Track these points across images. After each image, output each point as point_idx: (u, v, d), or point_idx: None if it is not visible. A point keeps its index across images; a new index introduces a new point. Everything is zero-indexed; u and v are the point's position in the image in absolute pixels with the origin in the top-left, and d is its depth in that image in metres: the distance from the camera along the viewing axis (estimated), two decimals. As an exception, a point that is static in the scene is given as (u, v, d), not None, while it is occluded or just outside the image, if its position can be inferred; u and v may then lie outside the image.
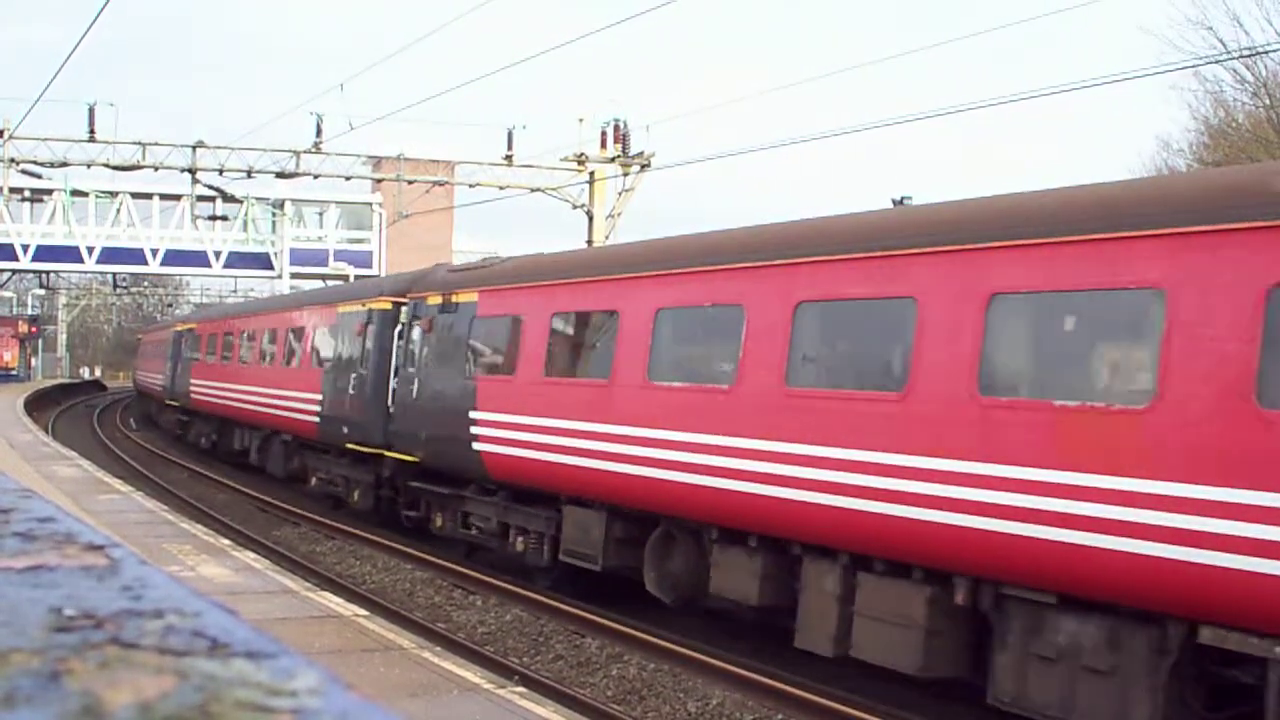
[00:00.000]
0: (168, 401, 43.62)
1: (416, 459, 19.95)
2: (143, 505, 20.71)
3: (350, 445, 22.67)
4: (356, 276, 46.43)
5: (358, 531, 22.31)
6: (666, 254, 14.87)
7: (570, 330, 16.57)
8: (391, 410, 21.08)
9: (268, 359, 29.99)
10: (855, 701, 11.72)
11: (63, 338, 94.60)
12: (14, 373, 74.01)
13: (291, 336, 27.98)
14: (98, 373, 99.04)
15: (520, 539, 17.44)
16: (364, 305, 23.08)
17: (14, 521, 1.51)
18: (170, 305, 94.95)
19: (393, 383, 21.17)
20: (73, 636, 0.97)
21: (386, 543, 21.09)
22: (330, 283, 47.26)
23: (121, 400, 65.94)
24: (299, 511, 25.00)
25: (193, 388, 37.75)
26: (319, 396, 24.61)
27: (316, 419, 24.70)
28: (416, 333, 20.32)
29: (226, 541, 17.97)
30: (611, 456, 14.58)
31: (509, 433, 16.92)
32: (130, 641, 0.96)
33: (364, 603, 15.46)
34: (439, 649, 11.99)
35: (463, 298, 19.05)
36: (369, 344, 22.30)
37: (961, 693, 11.67)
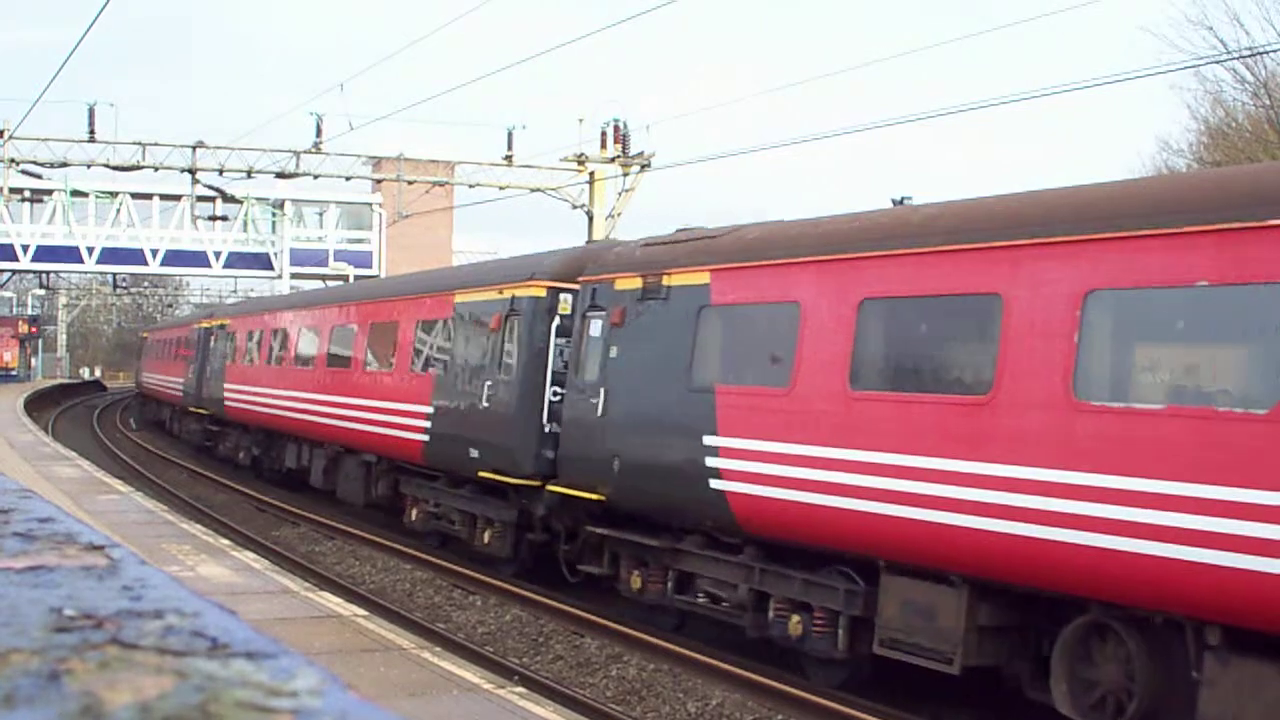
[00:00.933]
0: (192, 408, 37.74)
1: (600, 497, 15.12)
2: (143, 505, 20.71)
3: (484, 474, 17.69)
4: (357, 277, 46.45)
5: (358, 531, 22.30)
6: (1111, 206, 10.08)
7: (900, 323, 11.82)
8: (547, 429, 16.53)
9: (341, 361, 24.60)
10: (855, 702, 11.71)
11: (63, 338, 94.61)
12: (14, 373, 74.06)
13: (378, 333, 22.91)
14: (98, 373, 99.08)
15: (796, 618, 12.53)
16: (501, 292, 18.01)
17: (14, 521, 1.51)
18: (170, 305, 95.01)
19: (549, 393, 16.59)
20: (73, 636, 0.97)
21: (386, 543, 21.07)
22: (331, 282, 47.27)
23: (122, 401, 65.93)
24: (299, 511, 24.97)
25: (228, 394, 32.33)
26: (427, 409, 19.71)
27: (424, 437, 19.79)
28: (597, 327, 15.50)
29: (226, 541, 17.97)
30: (989, 509, 10.11)
31: (778, 467, 12.25)
32: (130, 641, 0.97)
33: (364, 603, 15.46)
34: (438, 649, 11.99)
35: (681, 279, 14.21)
36: (511, 342, 17.52)
37: (963, 694, 11.68)
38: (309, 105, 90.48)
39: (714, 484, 13.08)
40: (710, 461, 13.15)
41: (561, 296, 16.81)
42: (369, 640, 11.71)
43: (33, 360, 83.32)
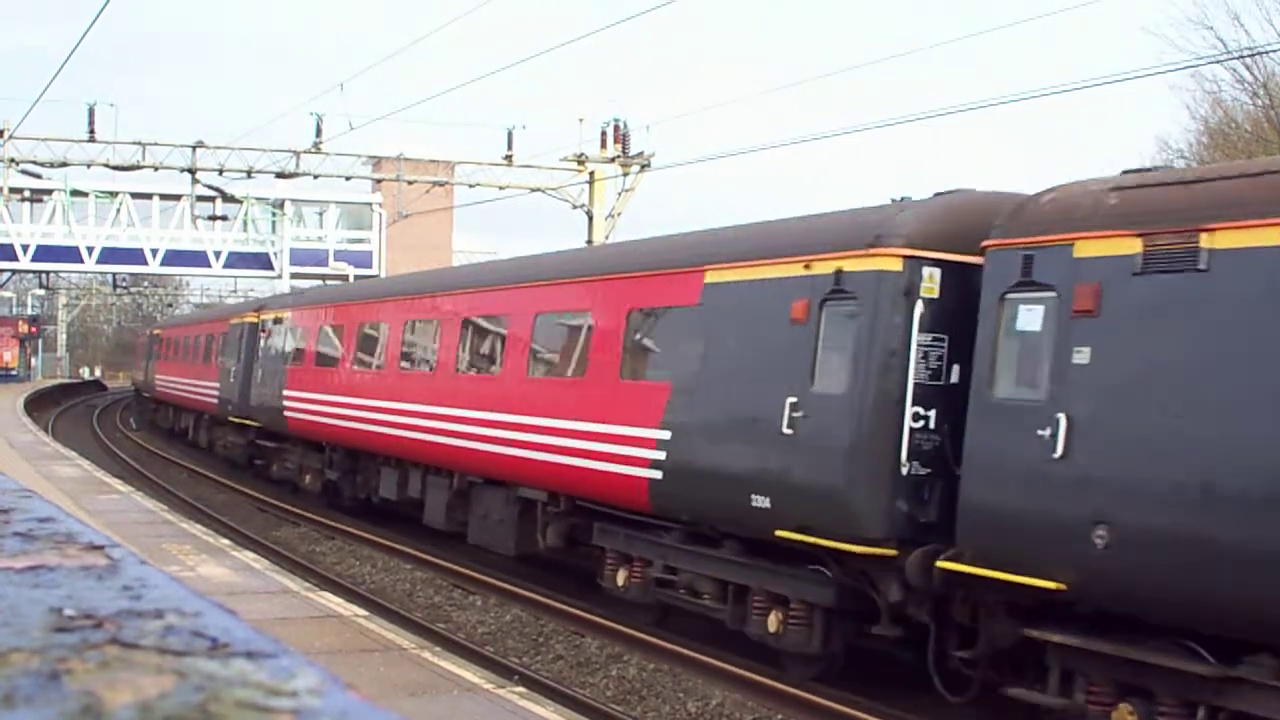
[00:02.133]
0: (234, 418, 31.64)
1: (1058, 585, 9.77)
2: (143, 505, 20.72)
3: (784, 534, 12.29)
4: (357, 277, 46.42)
5: (358, 531, 22.30)
6: None
7: None
8: (905, 470, 11.39)
9: (483, 363, 19.38)
10: (855, 702, 11.71)
11: (63, 338, 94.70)
12: (14, 373, 74.11)
13: (551, 326, 17.44)
14: (98, 373, 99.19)
15: None
16: (808, 267, 12.54)
17: (14, 521, 1.51)
18: (170, 305, 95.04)
19: (909, 417, 11.39)
20: (73, 636, 0.98)
21: (386, 543, 21.08)
22: (331, 282, 47.26)
23: (122, 400, 65.97)
24: (299, 511, 24.98)
25: (289, 403, 26.78)
26: (657, 434, 14.27)
27: (653, 474, 14.26)
28: (1033, 316, 10.45)
29: (226, 541, 17.97)
30: None
31: None
32: (130, 641, 0.97)
33: (364, 603, 15.47)
34: (439, 649, 11.99)
35: (1240, 238, 9.02)
36: (836, 340, 12.25)
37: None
38: (309, 105, 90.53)
39: None
40: None
41: (925, 271, 11.67)
42: (369, 640, 11.72)
43: (33, 360, 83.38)
